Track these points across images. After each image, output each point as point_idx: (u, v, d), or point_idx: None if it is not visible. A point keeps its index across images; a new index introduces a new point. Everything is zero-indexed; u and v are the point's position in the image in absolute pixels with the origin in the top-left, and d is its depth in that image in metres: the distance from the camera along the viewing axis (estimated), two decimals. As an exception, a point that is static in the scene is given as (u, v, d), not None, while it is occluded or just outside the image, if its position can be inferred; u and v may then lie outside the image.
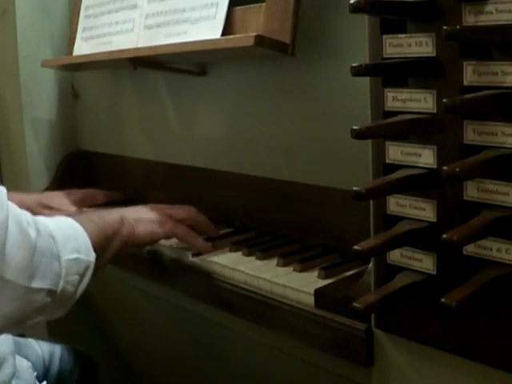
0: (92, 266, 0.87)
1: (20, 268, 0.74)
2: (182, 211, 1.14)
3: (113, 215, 1.01)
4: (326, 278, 0.93)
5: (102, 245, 0.93)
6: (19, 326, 0.82)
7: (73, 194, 1.39)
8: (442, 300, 0.61)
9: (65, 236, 0.83)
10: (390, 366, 0.78)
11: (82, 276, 0.85)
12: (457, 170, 0.58)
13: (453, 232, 0.59)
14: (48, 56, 1.54)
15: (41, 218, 0.82)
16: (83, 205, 1.38)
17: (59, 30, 1.58)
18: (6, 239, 0.73)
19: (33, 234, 0.77)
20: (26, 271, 0.75)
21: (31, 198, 1.31)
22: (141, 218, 1.06)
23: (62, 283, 0.80)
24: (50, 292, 0.79)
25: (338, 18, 0.99)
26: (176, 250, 1.12)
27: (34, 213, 1.28)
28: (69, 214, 0.95)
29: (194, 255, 1.08)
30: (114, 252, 0.98)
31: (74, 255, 0.83)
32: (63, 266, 0.81)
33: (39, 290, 0.77)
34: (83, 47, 1.43)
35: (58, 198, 1.36)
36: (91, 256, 0.87)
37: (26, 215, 0.79)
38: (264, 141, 1.17)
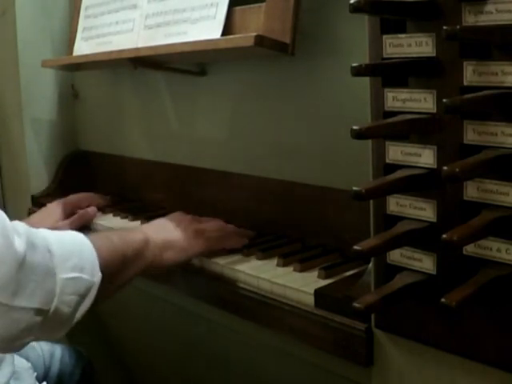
0: (96, 287, 0.79)
1: (1, 284, 0.67)
2: (211, 226, 1.07)
3: (136, 235, 0.93)
4: (326, 278, 0.93)
5: (115, 266, 0.86)
6: (9, 348, 0.77)
7: (55, 210, 1.32)
8: (442, 300, 0.61)
9: (66, 251, 0.77)
10: (390, 366, 0.78)
11: (82, 297, 0.78)
12: (457, 170, 0.58)
13: (453, 232, 0.59)
14: (48, 56, 1.54)
15: (41, 231, 0.77)
16: (68, 216, 1.32)
17: (59, 30, 1.58)
18: None
19: (21, 247, 0.69)
20: (7, 288, 0.68)
21: None
22: (170, 238, 0.97)
23: (55, 302, 0.74)
24: (40, 311, 0.72)
25: (337, 18, 0.99)
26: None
27: None
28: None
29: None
30: (132, 275, 0.90)
31: (74, 274, 0.76)
32: (58, 285, 0.74)
33: (25, 309, 0.70)
34: (83, 47, 1.43)
35: (39, 219, 1.28)
36: (96, 276, 0.80)
37: (17, 226, 0.72)
38: (264, 141, 1.17)
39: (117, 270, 0.86)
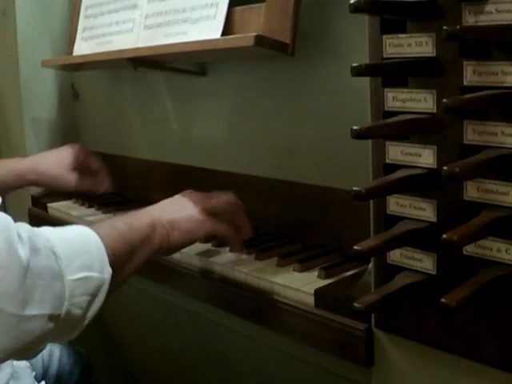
0: (107, 284, 0.75)
1: (9, 294, 0.64)
2: (221, 204, 1.01)
3: (143, 219, 0.89)
4: (326, 278, 0.93)
5: (124, 257, 0.82)
6: (23, 357, 0.74)
7: (65, 156, 1.32)
8: (442, 300, 0.61)
9: (72, 250, 0.72)
10: (390, 366, 0.78)
11: (93, 296, 0.74)
12: (457, 170, 0.58)
13: (453, 232, 0.59)
14: (48, 56, 1.55)
15: (44, 231, 0.73)
16: (75, 169, 1.33)
17: (59, 30, 1.58)
18: None
19: (24, 252, 0.66)
20: (16, 297, 0.64)
21: (24, 163, 1.26)
22: (177, 219, 0.93)
23: (66, 306, 0.70)
24: (52, 317, 0.69)
25: (338, 17, 0.99)
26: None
27: (27, 179, 1.24)
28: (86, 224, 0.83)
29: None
30: (140, 262, 0.86)
31: (83, 273, 0.72)
32: (67, 287, 0.70)
33: (36, 317, 0.67)
34: (83, 47, 1.43)
35: (48, 160, 1.30)
36: (106, 273, 0.75)
37: (20, 228, 0.68)
38: (264, 141, 1.17)
39: (125, 261, 0.82)
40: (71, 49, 1.47)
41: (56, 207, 1.48)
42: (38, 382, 1.07)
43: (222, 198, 1.02)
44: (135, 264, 0.85)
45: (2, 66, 1.62)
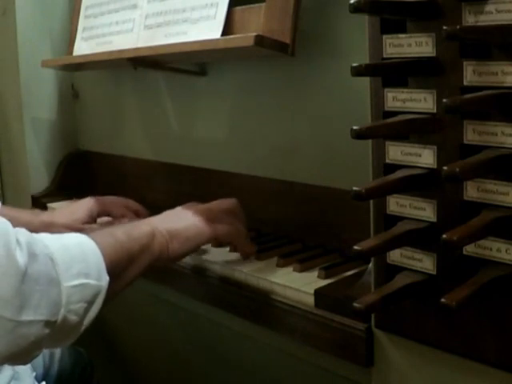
0: (104, 292, 0.76)
1: (5, 299, 0.64)
2: (221, 210, 1.01)
3: (142, 228, 0.89)
4: (326, 277, 0.93)
5: (122, 265, 0.82)
6: (18, 362, 0.75)
7: (81, 209, 1.22)
8: (442, 300, 0.61)
9: (70, 257, 0.73)
10: (390, 366, 0.78)
11: (89, 303, 0.74)
12: (457, 170, 0.58)
13: (453, 232, 0.59)
14: (48, 56, 1.55)
15: (42, 237, 0.73)
16: (95, 217, 1.23)
17: (59, 30, 1.58)
18: None
19: (22, 258, 0.66)
20: (12, 302, 0.65)
21: (38, 219, 1.17)
22: (176, 228, 0.93)
23: (62, 312, 0.70)
24: (48, 323, 0.69)
25: (338, 17, 0.99)
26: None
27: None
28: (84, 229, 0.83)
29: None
30: (140, 271, 0.86)
31: (80, 280, 0.72)
32: (64, 294, 0.70)
33: (32, 322, 0.67)
34: (83, 47, 1.43)
35: (63, 216, 1.21)
36: (103, 280, 0.76)
37: (18, 234, 0.69)
38: (264, 141, 1.17)
39: (123, 269, 0.82)
40: (71, 49, 1.47)
41: (56, 207, 1.48)
42: (39, 382, 1.06)
43: (223, 205, 1.02)
44: (134, 272, 0.85)
45: (2, 66, 1.62)
